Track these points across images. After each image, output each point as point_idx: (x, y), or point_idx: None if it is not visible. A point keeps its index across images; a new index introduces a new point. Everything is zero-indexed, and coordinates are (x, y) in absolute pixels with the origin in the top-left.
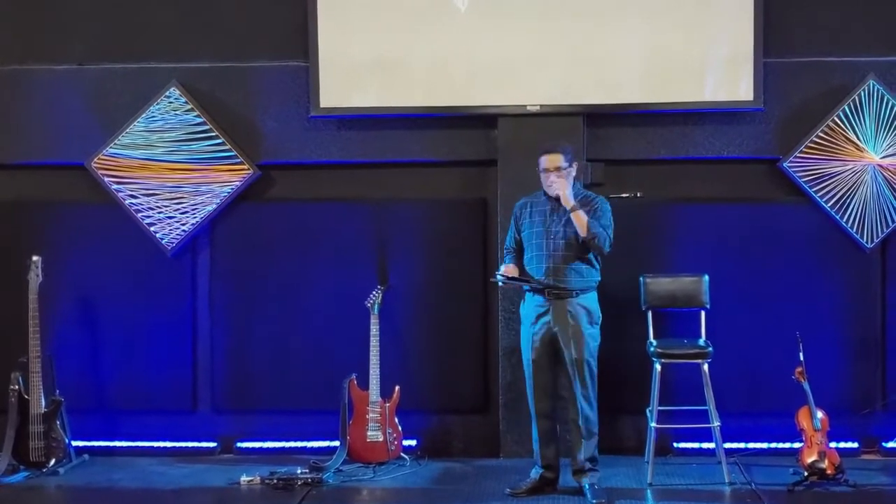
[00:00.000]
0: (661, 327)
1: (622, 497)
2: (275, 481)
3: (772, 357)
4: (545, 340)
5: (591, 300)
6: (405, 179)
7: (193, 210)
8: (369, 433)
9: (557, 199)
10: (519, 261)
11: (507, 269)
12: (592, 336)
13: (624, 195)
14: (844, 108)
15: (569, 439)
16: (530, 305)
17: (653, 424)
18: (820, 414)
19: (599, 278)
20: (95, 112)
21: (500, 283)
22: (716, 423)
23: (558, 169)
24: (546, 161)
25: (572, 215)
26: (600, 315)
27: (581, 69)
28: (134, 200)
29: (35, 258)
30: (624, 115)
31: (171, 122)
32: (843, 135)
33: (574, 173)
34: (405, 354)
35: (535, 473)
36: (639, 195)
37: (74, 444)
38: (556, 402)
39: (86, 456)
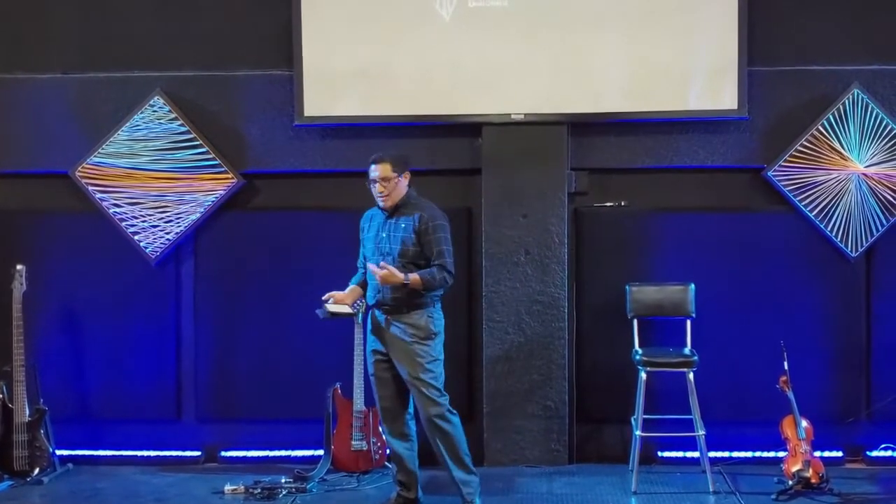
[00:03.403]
0: (646, 336)
1: None
2: (259, 490)
3: (757, 366)
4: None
5: (423, 316)
6: None
7: (177, 219)
8: (354, 442)
9: (387, 211)
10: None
11: (340, 297)
12: (425, 353)
13: (608, 204)
14: (829, 117)
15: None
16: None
17: (638, 433)
18: (804, 423)
19: (440, 292)
20: (79, 121)
21: (320, 317)
22: (700, 432)
23: (386, 179)
24: (372, 171)
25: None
26: (439, 329)
27: (565, 78)
28: (118, 209)
29: (19, 267)
30: (608, 123)
31: (155, 130)
32: (828, 143)
33: (405, 182)
34: None
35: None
36: (623, 204)
37: (58, 453)
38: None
39: (70, 465)
